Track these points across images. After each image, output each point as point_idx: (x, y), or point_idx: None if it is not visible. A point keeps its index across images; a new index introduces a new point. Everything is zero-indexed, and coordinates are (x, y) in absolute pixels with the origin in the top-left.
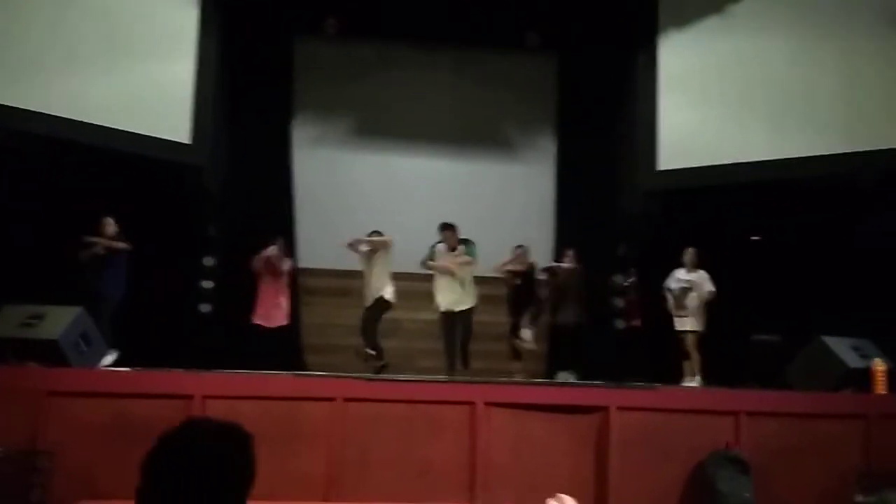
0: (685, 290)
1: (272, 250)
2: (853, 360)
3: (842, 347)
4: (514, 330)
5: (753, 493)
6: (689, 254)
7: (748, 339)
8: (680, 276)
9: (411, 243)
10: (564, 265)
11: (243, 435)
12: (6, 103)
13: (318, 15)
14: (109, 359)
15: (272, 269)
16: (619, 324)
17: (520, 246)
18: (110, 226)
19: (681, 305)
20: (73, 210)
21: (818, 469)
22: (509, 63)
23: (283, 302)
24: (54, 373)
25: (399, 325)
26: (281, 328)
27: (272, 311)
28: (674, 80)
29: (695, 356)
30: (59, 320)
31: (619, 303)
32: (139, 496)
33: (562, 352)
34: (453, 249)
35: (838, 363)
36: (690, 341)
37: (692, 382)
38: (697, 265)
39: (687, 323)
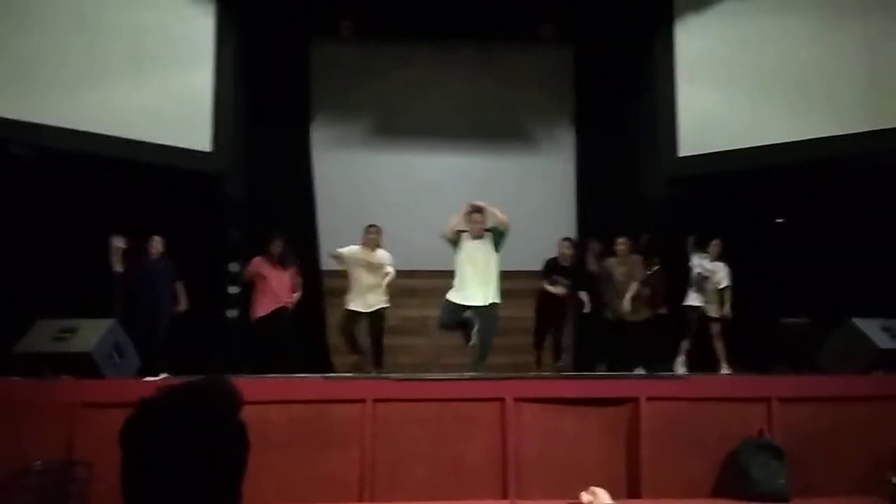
0: (703, 279)
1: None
2: (884, 342)
3: (872, 329)
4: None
5: (787, 479)
6: (714, 245)
7: (777, 322)
8: (702, 263)
9: (432, 240)
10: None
11: (230, 398)
12: (28, 119)
13: (333, 17)
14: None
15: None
16: (646, 312)
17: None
18: (157, 244)
19: (701, 289)
20: (100, 223)
21: (852, 452)
22: (525, 56)
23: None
24: (88, 385)
25: (425, 323)
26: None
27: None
28: (692, 66)
29: (720, 345)
30: (91, 333)
31: (645, 291)
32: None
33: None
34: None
35: (869, 345)
36: (716, 330)
37: (725, 370)
38: (721, 256)
39: (704, 304)
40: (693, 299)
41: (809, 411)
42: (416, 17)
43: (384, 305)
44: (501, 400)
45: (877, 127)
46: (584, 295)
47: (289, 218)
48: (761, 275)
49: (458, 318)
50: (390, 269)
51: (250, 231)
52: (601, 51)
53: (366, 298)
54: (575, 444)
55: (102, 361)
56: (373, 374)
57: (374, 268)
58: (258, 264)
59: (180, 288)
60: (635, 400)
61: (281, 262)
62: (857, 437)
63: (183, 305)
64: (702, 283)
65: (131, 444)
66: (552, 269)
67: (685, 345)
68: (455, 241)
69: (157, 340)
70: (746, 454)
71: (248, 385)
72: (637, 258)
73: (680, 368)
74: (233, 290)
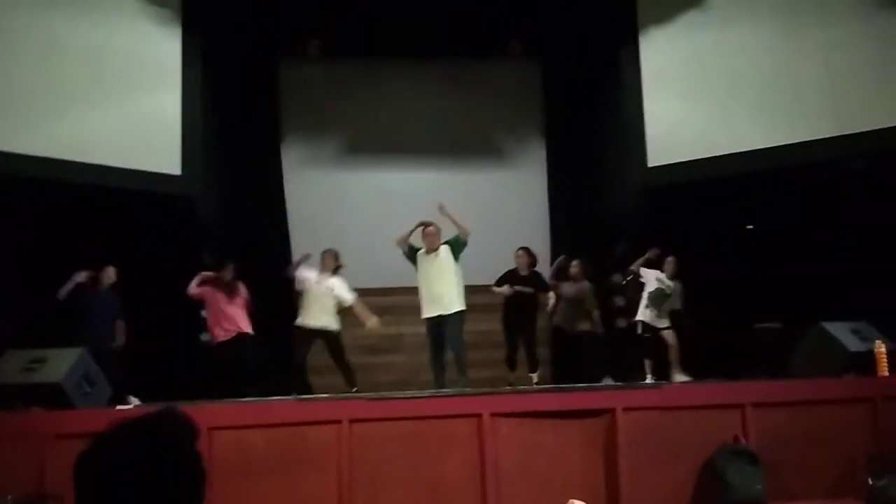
0: (665, 296)
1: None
2: (854, 344)
3: (842, 332)
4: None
5: (764, 484)
6: (669, 263)
7: (750, 328)
8: (661, 279)
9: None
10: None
11: (184, 429)
12: None
13: (300, 37)
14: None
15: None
16: (621, 322)
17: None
18: (109, 274)
19: (656, 307)
20: (69, 251)
21: (828, 456)
22: (493, 71)
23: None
24: (59, 416)
25: (401, 341)
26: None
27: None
28: (658, 77)
29: (674, 355)
30: (60, 363)
31: (620, 301)
32: None
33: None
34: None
35: (839, 348)
36: (671, 340)
37: (681, 377)
38: (676, 275)
39: (654, 318)
40: (643, 314)
41: (783, 416)
42: (384, 34)
43: (334, 328)
44: (478, 415)
45: (840, 132)
46: (550, 296)
47: (262, 239)
48: (733, 281)
49: (439, 331)
50: (348, 297)
51: (224, 252)
52: (568, 64)
53: (316, 316)
54: (553, 457)
55: (72, 391)
56: (350, 394)
57: (327, 292)
58: (202, 287)
59: (120, 325)
60: (611, 411)
61: (231, 289)
62: (831, 440)
63: (120, 341)
64: (661, 299)
65: (86, 480)
66: (511, 279)
67: (649, 363)
68: (410, 256)
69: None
70: (722, 461)
71: (225, 410)
72: (588, 285)
73: None
74: (205, 313)
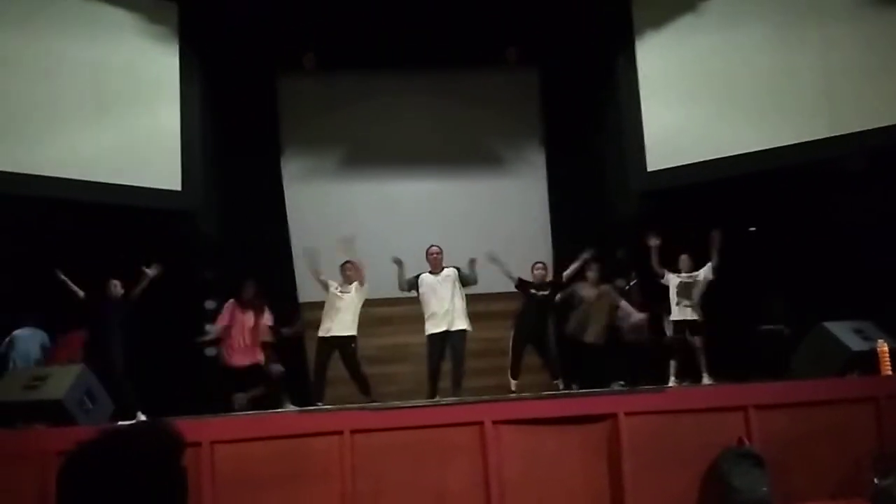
0: (688, 285)
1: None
2: (856, 344)
3: (844, 331)
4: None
5: (769, 486)
6: (684, 261)
7: (754, 330)
8: (681, 277)
9: (410, 267)
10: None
11: (169, 443)
12: None
13: (296, 51)
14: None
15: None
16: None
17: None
18: (115, 287)
19: (687, 296)
20: (72, 269)
21: (832, 456)
22: (491, 80)
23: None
24: (61, 432)
25: (407, 350)
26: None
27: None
28: (655, 81)
29: (702, 356)
30: (62, 380)
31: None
32: None
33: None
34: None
35: (842, 348)
36: (698, 340)
37: (706, 381)
38: (693, 268)
39: (688, 312)
40: (675, 314)
41: (787, 417)
42: (380, 46)
43: (351, 333)
44: (480, 423)
45: (838, 132)
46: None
47: (264, 252)
48: (735, 284)
49: (442, 345)
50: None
51: (226, 267)
52: (565, 71)
53: (336, 324)
54: (556, 463)
55: (74, 408)
56: (351, 405)
57: (348, 300)
58: (230, 312)
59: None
60: (614, 416)
61: (253, 307)
62: (836, 440)
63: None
64: (687, 288)
65: (68, 488)
66: (526, 284)
67: (675, 364)
68: (412, 286)
69: (117, 383)
70: (727, 464)
71: (226, 423)
72: (607, 288)
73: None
74: (210, 328)
